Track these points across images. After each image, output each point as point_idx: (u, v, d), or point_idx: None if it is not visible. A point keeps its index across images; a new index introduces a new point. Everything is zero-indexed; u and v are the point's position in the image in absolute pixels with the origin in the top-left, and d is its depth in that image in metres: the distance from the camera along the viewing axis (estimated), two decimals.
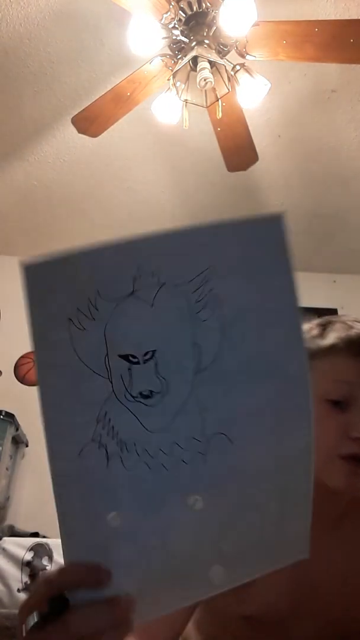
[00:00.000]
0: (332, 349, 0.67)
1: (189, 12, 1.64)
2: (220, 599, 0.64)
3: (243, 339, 0.39)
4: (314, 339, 0.70)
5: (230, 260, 0.39)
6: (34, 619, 0.37)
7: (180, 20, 1.65)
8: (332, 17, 1.90)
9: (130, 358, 0.39)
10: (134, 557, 0.40)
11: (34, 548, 1.83)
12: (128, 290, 0.38)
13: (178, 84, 1.70)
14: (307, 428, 0.41)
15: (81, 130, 2.02)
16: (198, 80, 1.60)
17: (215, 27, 1.65)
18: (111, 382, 0.39)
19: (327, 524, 0.69)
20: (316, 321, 0.73)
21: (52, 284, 0.38)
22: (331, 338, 0.68)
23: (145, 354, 0.39)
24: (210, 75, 1.59)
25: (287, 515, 0.43)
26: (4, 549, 1.82)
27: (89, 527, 0.40)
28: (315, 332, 0.71)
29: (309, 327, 0.72)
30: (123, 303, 0.38)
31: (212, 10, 1.62)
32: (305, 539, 0.44)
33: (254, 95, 1.78)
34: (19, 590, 1.72)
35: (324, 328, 0.70)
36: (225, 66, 1.65)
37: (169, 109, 1.84)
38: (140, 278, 0.38)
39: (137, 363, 0.39)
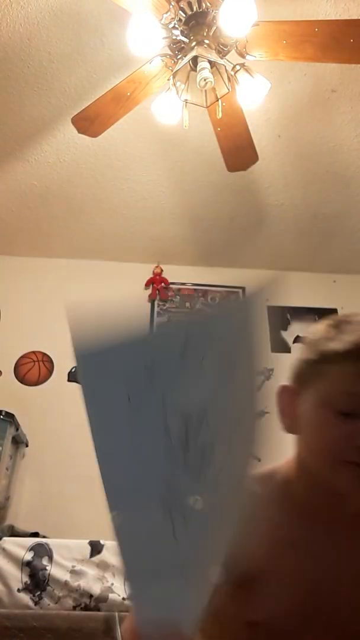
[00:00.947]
0: (344, 355, 0.64)
1: (189, 12, 1.64)
2: (227, 604, 0.65)
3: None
4: (326, 341, 0.67)
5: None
6: None
7: (180, 20, 1.65)
8: (332, 17, 1.90)
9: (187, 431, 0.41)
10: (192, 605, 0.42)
11: (34, 548, 1.83)
12: (175, 368, 0.41)
13: (178, 84, 1.70)
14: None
15: (81, 130, 2.02)
16: (198, 80, 1.60)
17: (215, 27, 1.65)
18: (170, 452, 0.40)
19: (343, 530, 0.68)
20: (329, 320, 0.69)
21: (106, 370, 0.40)
22: (344, 343, 0.64)
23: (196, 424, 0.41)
24: (210, 75, 1.59)
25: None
26: (4, 549, 1.82)
27: (156, 586, 0.41)
28: (327, 333, 0.68)
29: (322, 326, 0.69)
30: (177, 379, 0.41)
31: (212, 10, 1.62)
32: None
33: (254, 95, 1.78)
34: (19, 590, 1.72)
35: (338, 329, 0.67)
36: (225, 66, 1.65)
37: (169, 109, 1.84)
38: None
39: (190, 436, 0.41)
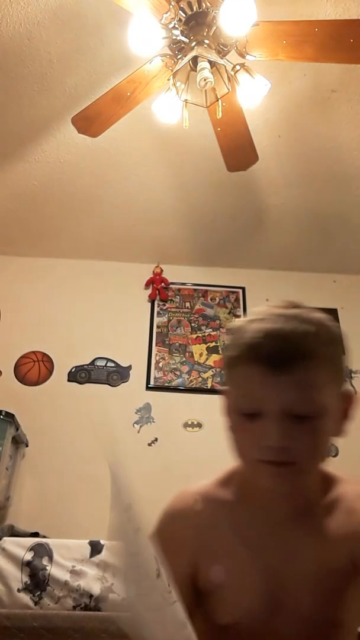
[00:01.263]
0: (238, 359, 0.66)
1: (189, 12, 1.64)
2: (196, 612, 0.69)
3: None
4: (229, 346, 0.69)
5: None
6: None
7: (180, 20, 1.65)
8: (332, 17, 1.90)
9: None
10: None
11: (34, 548, 1.83)
12: None
13: (178, 84, 1.70)
14: None
15: (81, 130, 2.02)
16: (198, 80, 1.60)
17: (215, 27, 1.65)
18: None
19: (287, 523, 0.70)
20: (239, 322, 0.70)
21: None
22: (239, 347, 0.66)
23: None
24: (210, 75, 1.59)
25: None
26: (4, 549, 1.82)
27: None
28: (232, 338, 0.69)
29: (234, 327, 0.71)
30: None
31: (212, 10, 1.62)
32: None
33: (254, 95, 1.78)
34: (19, 590, 1.72)
35: (241, 332, 0.68)
36: (225, 66, 1.65)
37: (169, 109, 1.84)
38: None
39: None
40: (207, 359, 3.09)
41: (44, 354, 3.01)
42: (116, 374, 2.97)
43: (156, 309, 3.23)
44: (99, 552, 1.84)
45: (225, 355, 0.70)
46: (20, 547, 1.83)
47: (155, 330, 3.14)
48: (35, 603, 1.70)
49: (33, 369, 2.96)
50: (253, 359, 0.63)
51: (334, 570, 0.67)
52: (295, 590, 0.67)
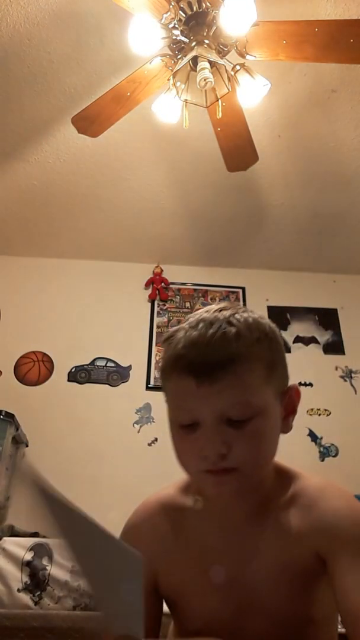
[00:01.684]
0: (166, 372, 0.66)
1: (189, 12, 1.64)
2: (172, 619, 0.72)
3: None
4: (162, 359, 0.69)
5: None
6: None
7: (180, 20, 1.65)
8: (332, 17, 1.90)
9: None
10: None
11: (34, 548, 1.83)
12: None
13: (178, 84, 1.70)
14: None
15: (81, 130, 2.02)
16: (198, 80, 1.60)
17: (215, 27, 1.65)
18: None
19: (245, 525, 0.70)
20: (170, 332, 0.69)
21: None
22: (165, 360, 0.67)
23: None
24: (210, 75, 1.59)
25: None
26: (4, 549, 1.82)
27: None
28: (163, 350, 0.69)
29: (164, 339, 0.71)
30: None
31: (212, 10, 1.62)
32: None
33: (254, 95, 1.78)
34: (19, 590, 1.72)
35: (166, 344, 0.68)
36: (225, 66, 1.65)
37: (169, 108, 1.84)
38: None
39: None
40: None
41: (44, 354, 3.01)
42: (116, 374, 2.98)
43: (156, 309, 3.23)
44: None
45: (160, 368, 0.71)
46: (20, 547, 1.83)
47: (155, 330, 3.14)
48: (35, 603, 1.70)
49: (33, 369, 2.96)
50: (179, 372, 0.63)
51: (298, 566, 0.66)
52: (260, 591, 0.67)
